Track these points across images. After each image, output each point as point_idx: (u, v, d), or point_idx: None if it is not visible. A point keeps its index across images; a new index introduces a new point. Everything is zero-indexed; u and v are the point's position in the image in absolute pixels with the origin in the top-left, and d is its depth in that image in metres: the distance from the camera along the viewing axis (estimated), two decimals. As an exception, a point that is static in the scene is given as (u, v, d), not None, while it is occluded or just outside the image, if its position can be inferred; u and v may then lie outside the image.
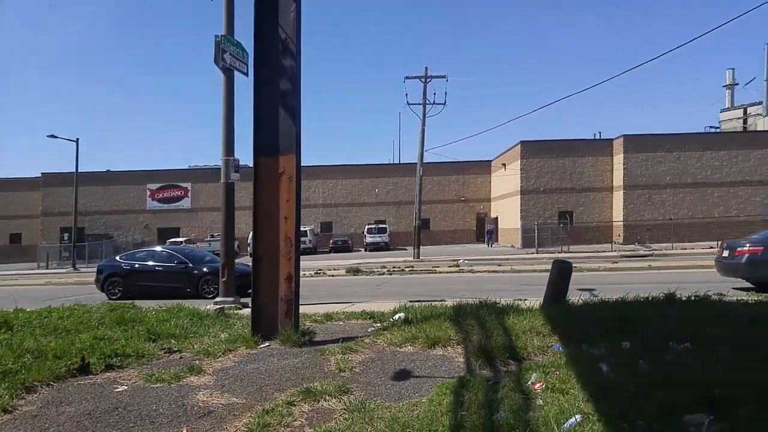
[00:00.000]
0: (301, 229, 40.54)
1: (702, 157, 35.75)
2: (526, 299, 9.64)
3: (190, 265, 15.72)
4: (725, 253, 12.98)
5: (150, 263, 15.98)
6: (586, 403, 3.92)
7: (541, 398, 4.19)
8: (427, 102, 30.85)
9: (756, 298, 9.39)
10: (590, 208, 37.53)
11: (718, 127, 62.34)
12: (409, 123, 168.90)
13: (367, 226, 44.46)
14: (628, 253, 28.36)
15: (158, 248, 18.03)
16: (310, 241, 40.80)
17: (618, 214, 36.26)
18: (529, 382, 4.51)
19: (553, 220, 36.54)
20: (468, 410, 3.96)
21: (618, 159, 36.54)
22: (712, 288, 9.72)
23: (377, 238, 42.52)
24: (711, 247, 29.49)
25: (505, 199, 42.09)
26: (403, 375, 5.32)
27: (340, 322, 8.50)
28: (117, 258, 17.10)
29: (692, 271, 19.24)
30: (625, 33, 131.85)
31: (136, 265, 15.98)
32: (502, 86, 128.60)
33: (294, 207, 7.35)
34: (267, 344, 6.95)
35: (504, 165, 41.73)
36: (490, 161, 47.64)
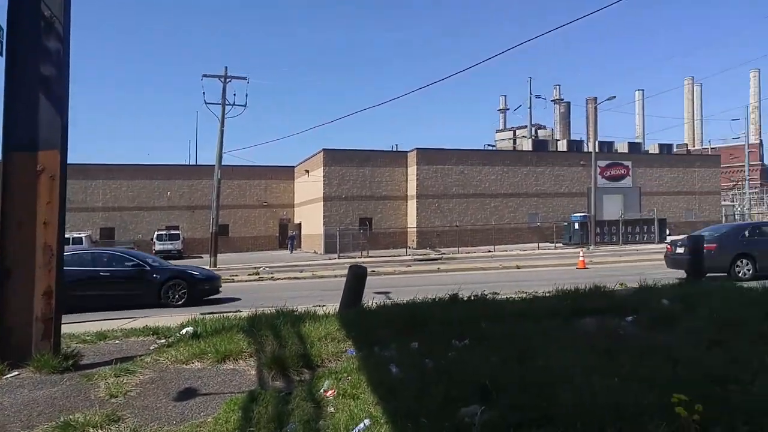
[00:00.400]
0: (75, 235, 35.29)
1: (482, 171, 40.76)
2: (325, 305, 9.78)
3: (148, 268, 13.65)
4: (679, 250, 15.27)
5: (90, 267, 13.29)
6: (375, 406, 4.05)
7: (332, 405, 4.21)
8: (227, 103, 29.73)
9: (522, 296, 10.86)
10: (388, 215, 40.06)
11: (494, 146, 71.92)
12: (209, 123, 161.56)
13: (156, 233, 41.04)
14: (420, 257, 30.92)
15: (100, 249, 15.50)
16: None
17: (412, 221, 39.35)
18: (322, 390, 4.52)
19: (354, 226, 38.10)
20: (257, 425, 3.80)
21: (412, 170, 39.70)
22: (488, 287, 11.05)
23: (168, 246, 39.49)
24: (489, 251, 33.78)
25: (309, 205, 42.67)
26: (187, 394, 4.91)
27: (117, 341, 7.58)
28: None
29: (474, 272, 21.68)
30: (432, 49, 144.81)
31: (68, 272, 12.46)
32: (307, 94, 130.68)
33: (57, 210, 6.36)
34: (16, 373, 5.85)
35: (307, 171, 42.29)
36: (294, 167, 47.88)
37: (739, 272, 14.46)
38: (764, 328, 5.80)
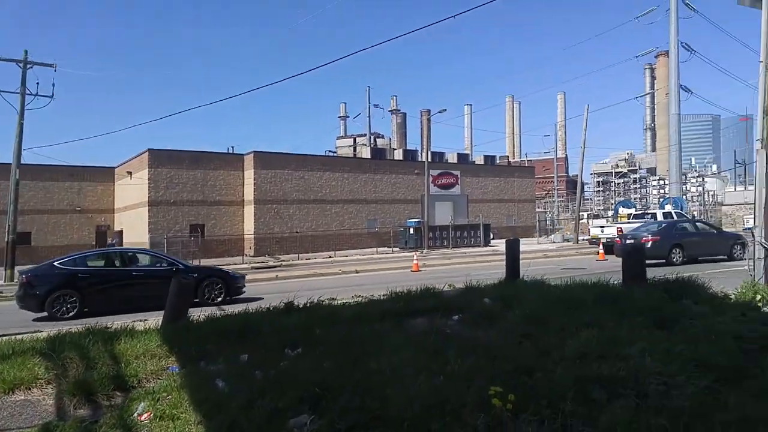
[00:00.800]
0: None
1: (322, 177, 41.13)
2: (147, 320, 9.03)
3: (182, 267, 14.06)
4: (629, 242, 18.63)
5: (122, 268, 13.41)
6: (197, 426, 3.80)
7: (147, 429, 3.86)
8: (28, 92, 26.10)
9: (358, 300, 11.08)
10: (222, 221, 38.44)
11: (335, 152, 73.17)
12: (6, 116, 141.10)
13: (-70, 243, 34.51)
14: (258, 264, 30.11)
15: (130, 248, 16.55)
16: None
17: (249, 227, 38.24)
18: (135, 414, 4.12)
19: (184, 233, 35.88)
20: (51, 464, 3.31)
21: (249, 174, 38.63)
22: (327, 293, 11.12)
23: (-53, 258, 33.40)
24: (330, 257, 34.15)
25: (132, 211, 39.24)
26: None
27: None
28: (56, 264, 13.17)
29: (314, 279, 21.68)
30: (276, 49, 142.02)
31: (100, 272, 13.22)
32: (132, 91, 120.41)
33: None
34: None
35: (130, 173, 38.90)
36: (114, 168, 43.69)
37: (673, 258, 18.29)
38: (565, 322, 6.58)
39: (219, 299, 13.61)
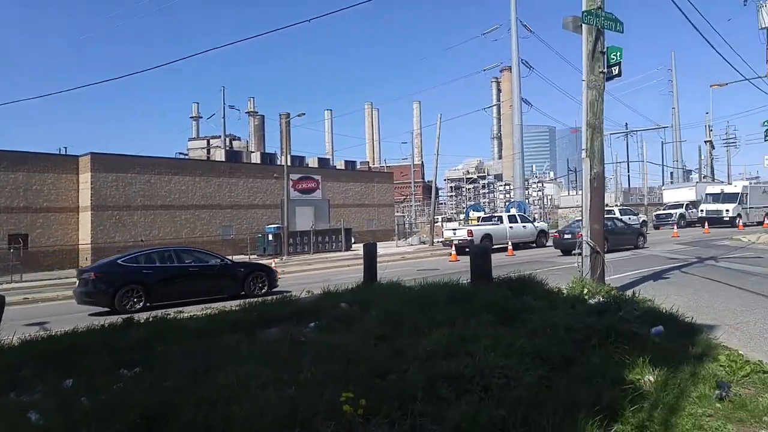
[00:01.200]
0: None
1: (171, 180, 38.69)
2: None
3: (229, 262, 15.60)
4: (567, 236, 22.17)
5: (179, 264, 14.61)
6: (0, 469, 3.27)
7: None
8: None
9: (207, 312, 10.52)
10: (51, 230, 34.44)
11: (187, 154, 69.36)
12: None
13: None
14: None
15: (181, 248, 17.36)
16: None
17: (86, 237, 34.75)
18: None
19: (2, 244, 31.60)
20: None
21: (85, 177, 35.13)
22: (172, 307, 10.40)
23: None
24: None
25: (-67, 220, 33.72)
26: None
27: None
28: (120, 262, 14.16)
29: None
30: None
31: (162, 268, 14.28)
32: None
33: None
34: None
35: (-71, 174, 33.39)
36: None
37: (604, 249, 21.24)
38: (420, 322, 6.81)
39: (263, 290, 15.16)
